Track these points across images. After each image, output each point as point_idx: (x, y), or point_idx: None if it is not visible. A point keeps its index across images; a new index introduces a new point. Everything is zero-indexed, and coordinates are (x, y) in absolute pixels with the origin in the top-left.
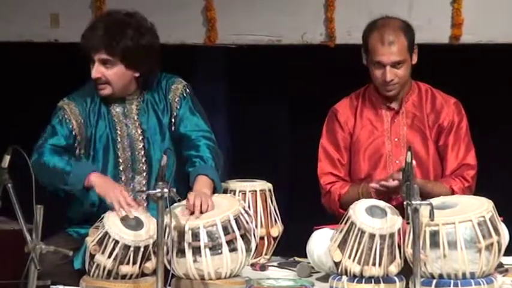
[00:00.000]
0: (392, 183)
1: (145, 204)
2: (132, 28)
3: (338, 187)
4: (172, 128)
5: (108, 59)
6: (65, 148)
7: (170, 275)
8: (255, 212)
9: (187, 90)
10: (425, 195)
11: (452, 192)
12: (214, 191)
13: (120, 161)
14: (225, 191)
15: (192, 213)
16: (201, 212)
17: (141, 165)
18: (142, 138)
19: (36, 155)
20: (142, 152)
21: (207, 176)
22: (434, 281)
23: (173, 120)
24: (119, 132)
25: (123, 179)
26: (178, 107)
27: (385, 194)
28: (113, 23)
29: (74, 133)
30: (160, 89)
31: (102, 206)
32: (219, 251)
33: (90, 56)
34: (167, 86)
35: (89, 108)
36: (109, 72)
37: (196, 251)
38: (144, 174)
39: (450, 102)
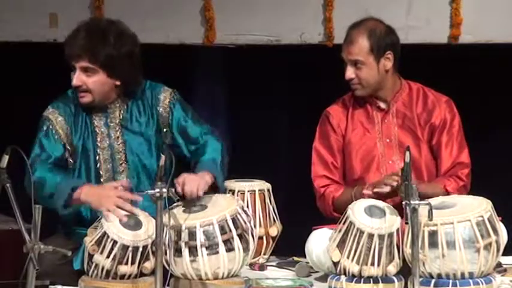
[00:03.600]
0: (385, 189)
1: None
2: (113, 35)
3: (332, 190)
4: (168, 139)
5: (90, 66)
6: (55, 163)
7: (169, 275)
8: (254, 211)
9: (175, 96)
10: (419, 197)
11: (447, 192)
12: (216, 190)
13: (101, 172)
14: (224, 191)
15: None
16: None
17: (122, 176)
18: (123, 149)
19: (28, 174)
20: (124, 163)
21: (208, 172)
22: (433, 281)
23: (166, 130)
24: (99, 144)
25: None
26: (170, 117)
27: (379, 198)
28: (95, 31)
29: (62, 143)
30: (145, 98)
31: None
32: (216, 250)
33: (71, 64)
34: (153, 96)
35: (74, 116)
36: (90, 80)
37: (193, 250)
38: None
39: (442, 101)
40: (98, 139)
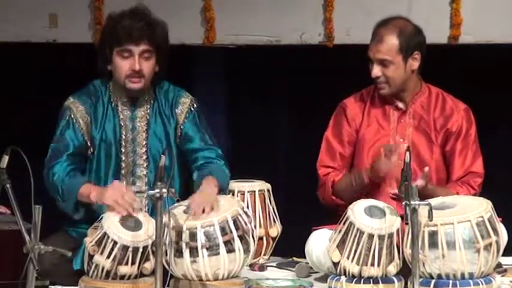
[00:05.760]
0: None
1: (145, 206)
2: (160, 21)
3: (333, 174)
4: (177, 141)
5: (149, 49)
6: (74, 154)
7: (169, 276)
8: (254, 212)
9: (195, 105)
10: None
11: None
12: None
13: (123, 165)
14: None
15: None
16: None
17: (142, 169)
18: (146, 144)
19: (46, 170)
20: (145, 157)
21: (212, 176)
22: (433, 281)
23: (178, 133)
24: (124, 137)
25: (123, 183)
26: (184, 122)
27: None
28: (144, 16)
29: (82, 132)
30: (167, 99)
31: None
32: (217, 251)
33: (123, 46)
34: (175, 99)
35: (95, 108)
36: (146, 64)
37: (194, 251)
38: (145, 179)
39: (460, 108)
40: (123, 132)
